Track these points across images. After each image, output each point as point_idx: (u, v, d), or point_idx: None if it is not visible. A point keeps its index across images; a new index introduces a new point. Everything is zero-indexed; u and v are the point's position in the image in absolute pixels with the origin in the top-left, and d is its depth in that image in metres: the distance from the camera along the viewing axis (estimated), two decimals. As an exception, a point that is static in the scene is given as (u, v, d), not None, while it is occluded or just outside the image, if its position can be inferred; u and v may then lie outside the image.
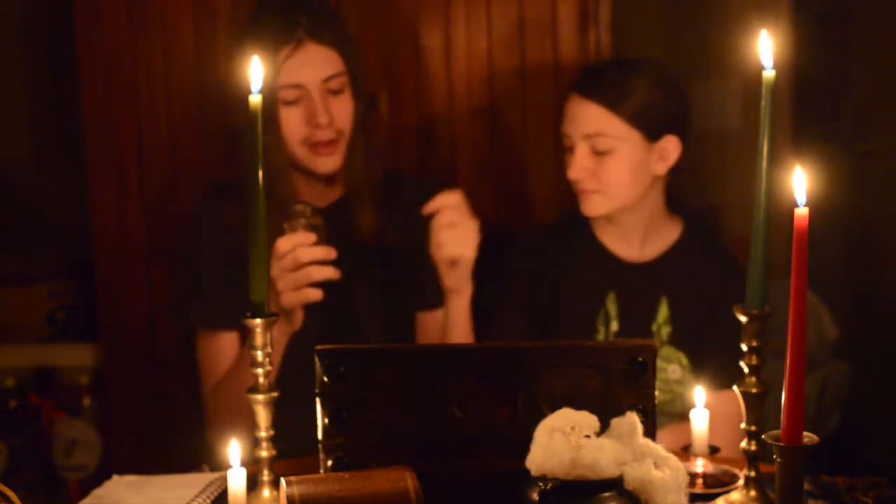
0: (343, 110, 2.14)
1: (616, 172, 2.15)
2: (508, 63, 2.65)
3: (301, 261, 1.90)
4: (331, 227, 1.97)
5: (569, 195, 2.27)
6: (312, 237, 1.92)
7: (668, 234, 2.27)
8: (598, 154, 2.14)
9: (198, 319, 2.23)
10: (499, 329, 2.27)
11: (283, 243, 1.91)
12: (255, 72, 1.53)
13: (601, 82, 2.17)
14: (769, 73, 1.50)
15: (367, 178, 2.21)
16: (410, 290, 2.27)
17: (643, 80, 2.16)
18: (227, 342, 2.19)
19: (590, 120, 2.14)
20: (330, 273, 1.93)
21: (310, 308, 1.99)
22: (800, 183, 1.26)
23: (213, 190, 2.35)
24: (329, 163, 2.16)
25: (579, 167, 2.16)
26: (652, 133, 2.16)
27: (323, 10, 2.22)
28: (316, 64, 2.10)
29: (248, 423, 1.58)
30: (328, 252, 1.93)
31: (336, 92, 2.13)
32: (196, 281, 2.23)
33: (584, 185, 2.17)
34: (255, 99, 1.53)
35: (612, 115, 2.13)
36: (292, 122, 2.12)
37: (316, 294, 1.94)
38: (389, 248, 2.24)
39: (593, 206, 2.19)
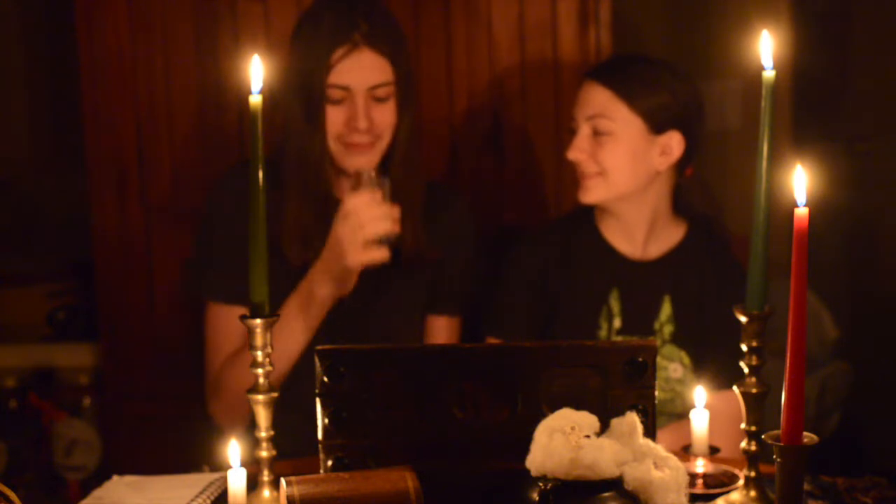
0: (384, 118, 2.13)
1: (614, 156, 2.16)
2: (508, 63, 2.65)
3: (364, 217, 1.96)
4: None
5: (569, 194, 2.26)
6: (378, 195, 1.99)
7: (671, 235, 2.27)
8: (599, 136, 2.16)
9: (210, 291, 2.20)
10: (500, 327, 2.27)
11: (349, 202, 1.98)
12: (255, 72, 1.54)
13: (614, 69, 2.22)
14: (769, 73, 1.50)
15: (409, 190, 2.18)
16: (426, 295, 2.27)
17: (656, 76, 2.19)
18: (238, 319, 2.18)
19: (595, 102, 2.18)
20: (390, 227, 1.99)
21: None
22: (800, 183, 1.26)
23: (239, 162, 2.32)
24: (360, 161, 2.15)
25: (577, 147, 2.19)
26: (655, 125, 2.17)
27: (383, 18, 2.18)
28: (367, 70, 2.10)
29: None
30: (391, 210, 1.99)
31: (381, 100, 2.12)
32: (213, 252, 2.20)
33: (584, 167, 2.19)
34: (255, 99, 1.52)
35: (617, 98, 2.16)
36: (333, 120, 2.12)
37: (381, 253, 1.99)
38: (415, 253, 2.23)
39: (591, 192, 2.20)
